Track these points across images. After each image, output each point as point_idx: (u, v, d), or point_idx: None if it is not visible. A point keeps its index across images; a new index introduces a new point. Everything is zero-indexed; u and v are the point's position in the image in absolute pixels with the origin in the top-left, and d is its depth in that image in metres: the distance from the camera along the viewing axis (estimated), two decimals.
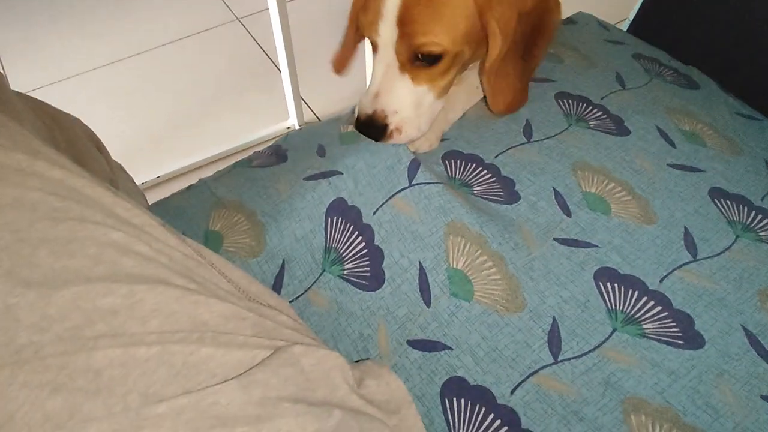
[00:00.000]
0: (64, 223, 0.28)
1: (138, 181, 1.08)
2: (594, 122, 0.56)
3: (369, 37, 0.49)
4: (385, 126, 0.49)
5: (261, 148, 1.17)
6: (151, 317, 0.27)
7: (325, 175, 0.50)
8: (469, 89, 0.56)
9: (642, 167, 0.52)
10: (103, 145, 0.57)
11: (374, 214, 0.47)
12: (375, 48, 0.49)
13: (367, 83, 0.68)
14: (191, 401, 0.25)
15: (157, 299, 0.28)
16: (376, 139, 0.50)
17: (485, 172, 0.52)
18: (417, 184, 0.49)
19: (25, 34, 1.39)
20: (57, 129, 0.50)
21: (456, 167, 0.53)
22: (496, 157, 0.53)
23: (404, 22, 0.44)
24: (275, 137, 1.22)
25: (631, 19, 0.79)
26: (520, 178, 0.51)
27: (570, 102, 0.58)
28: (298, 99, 1.18)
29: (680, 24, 0.74)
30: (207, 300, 0.30)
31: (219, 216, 0.49)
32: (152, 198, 1.07)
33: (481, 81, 0.54)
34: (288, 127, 1.23)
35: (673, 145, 0.55)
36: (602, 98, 0.59)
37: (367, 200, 0.48)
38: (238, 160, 0.59)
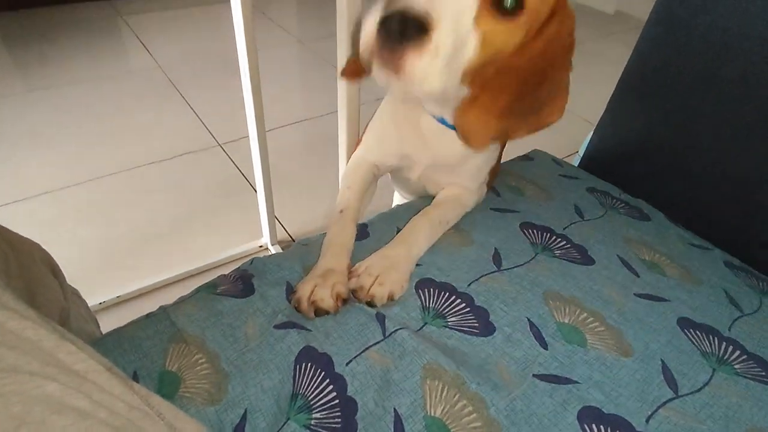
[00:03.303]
0: None
1: (99, 300, 1.03)
2: (559, 251, 0.58)
3: None
4: (422, 25, 0.36)
5: (234, 265, 1.16)
6: None
7: (294, 325, 0.48)
8: (431, 225, 0.58)
9: (611, 297, 0.53)
10: (60, 270, 0.54)
11: (347, 364, 0.44)
12: None
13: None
14: None
15: None
16: (401, 35, 0.37)
17: (459, 301, 0.52)
18: (390, 334, 0.47)
19: (2, 149, 1.41)
20: (11, 254, 0.48)
21: (430, 297, 0.52)
22: (468, 285, 0.54)
23: None
24: (248, 255, 1.20)
25: (581, 155, 0.87)
26: (493, 308, 0.51)
27: (534, 232, 0.61)
28: (272, 218, 1.20)
29: (624, 160, 0.82)
30: None
31: (178, 352, 0.45)
32: (113, 317, 1.00)
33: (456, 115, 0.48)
34: (261, 246, 1.22)
35: (636, 274, 0.57)
36: (564, 228, 0.62)
37: (339, 350, 0.45)
38: (202, 284, 0.57)
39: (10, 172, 1.35)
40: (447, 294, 0.53)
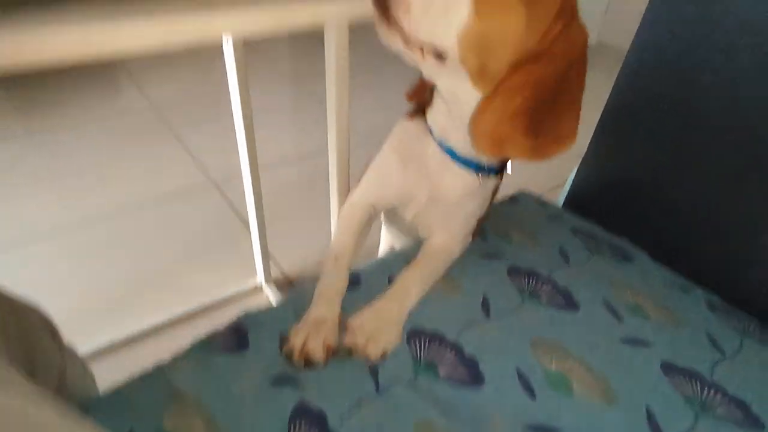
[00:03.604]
0: None
1: (93, 347, 1.03)
2: (546, 297, 0.60)
3: None
4: None
5: (229, 306, 1.17)
6: None
7: (289, 380, 0.49)
8: (422, 277, 0.60)
9: (596, 342, 0.55)
10: (58, 332, 0.55)
11: (341, 421, 0.45)
12: None
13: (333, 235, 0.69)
14: None
15: None
16: None
17: (449, 351, 0.53)
18: (383, 388, 0.49)
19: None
20: (11, 318, 0.49)
21: (420, 347, 0.53)
22: (458, 335, 0.55)
23: None
24: (242, 294, 1.21)
25: (565, 194, 0.90)
26: (483, 358, 0.52)
27: (521, 278, 0.63)
28: (266, 257, 1.21)
29: (608, 197, 0.85)
30: None
31: (174, 412, 0.46)
32: (108, 364, 1.00)
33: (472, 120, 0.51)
34: (255, 285, 1.23)
35: (620, 318, 0.58)
36: (550, 273, 0.64)
37: (333, 405, 0.46)
38: (197, 339, 0.58)
39: (7, 216, 1.36)
40: (437, 344, 0.54)
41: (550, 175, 1.57)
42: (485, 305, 0.59)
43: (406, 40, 0.44)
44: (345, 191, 0.86)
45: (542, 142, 0.49)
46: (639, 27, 0.73)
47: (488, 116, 0.48)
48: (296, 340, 0.51)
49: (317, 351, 0.50)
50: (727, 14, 0.61)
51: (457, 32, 0.44)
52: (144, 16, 0.33)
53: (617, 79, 0.78)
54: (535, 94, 0.47)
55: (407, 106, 0.67)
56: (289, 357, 0.51)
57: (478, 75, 0.48)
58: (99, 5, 0.34)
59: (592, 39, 2.88)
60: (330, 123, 0.85)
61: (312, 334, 0.51)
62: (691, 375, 0.52)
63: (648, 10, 0.70)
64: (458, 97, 0.52)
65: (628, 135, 0.79)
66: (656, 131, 0.74)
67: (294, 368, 0.50)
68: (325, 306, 0.56)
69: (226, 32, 0.39)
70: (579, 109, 0.50)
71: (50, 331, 0.53)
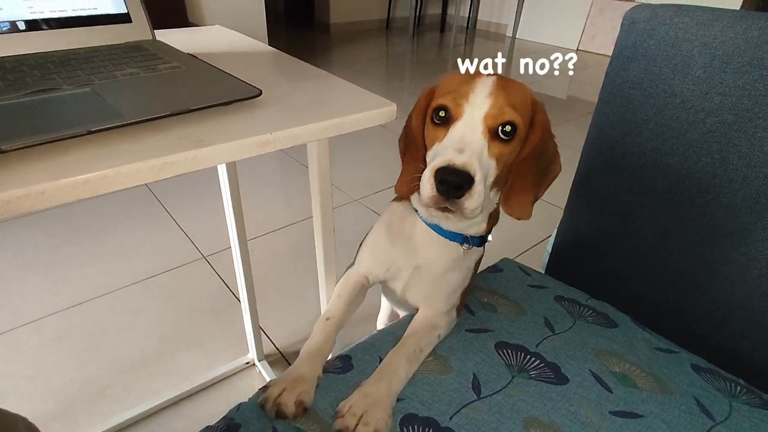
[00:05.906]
0: None
1: None
2: (534, 372, 0.61)
3: (454, 106, 0.54)
4: (473, 179, 0.49)
5: (221, 386, 1.14)
6: None
7: None
8: (408, 357, 0.61)
9: (587, 418, 0.55)
10: None
11: None
12: (455, 116, 0.54)
13: (322, 310, 0.72)
14: None
15: None
16: (459, 191, 0.49)
17: None
18: None
19: None
20: None
21: None
22: (450, 419, 0.55)
23: (495, 97, 0.53)
24: (235, 372, 1.19)
25: (548, 256, 0.93)
26: None
27: (509, 352, 0.64)
28: (258, 332, 1.21)
29: (585, 261, 0.88)
30: None
31: None
32: None
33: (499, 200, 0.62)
34: (247, 362, 1.21)
35: (609, 390, 0.59)
36: (537, 345, 0.65)
37: None
38: None
39: None
40: (431, 431, 0.54)
41: (537, 229, 1.61)
42: (476, 385, 0.59)
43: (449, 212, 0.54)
44: (332, 259, 0.88)
45: (545, 183, 0.60)
46: (596, 107, 0.79)
47: (517, 198, 0.58)
48: (272, 392, 0.55)
49: (289, 405, 0.54)
50: (673, 96, 0.67)
51: (489, 185, 0.55)
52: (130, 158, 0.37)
53: (583, 148, 0.84)
54: (536, 164, 0.58)
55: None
56: (263, 405, 0.55)
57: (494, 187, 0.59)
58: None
59: (563, 94, 3.05)
60: (313, 188, 0.87)
61: (288, 389, 0.55)
62: None
63: (602, 90, 0.77)
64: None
65: (595, 204, 0.83)
66: (618, 201, 0.79)
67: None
68: (307, 365, 0.59)
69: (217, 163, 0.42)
70: (557, 149, 0.61)
71: None
